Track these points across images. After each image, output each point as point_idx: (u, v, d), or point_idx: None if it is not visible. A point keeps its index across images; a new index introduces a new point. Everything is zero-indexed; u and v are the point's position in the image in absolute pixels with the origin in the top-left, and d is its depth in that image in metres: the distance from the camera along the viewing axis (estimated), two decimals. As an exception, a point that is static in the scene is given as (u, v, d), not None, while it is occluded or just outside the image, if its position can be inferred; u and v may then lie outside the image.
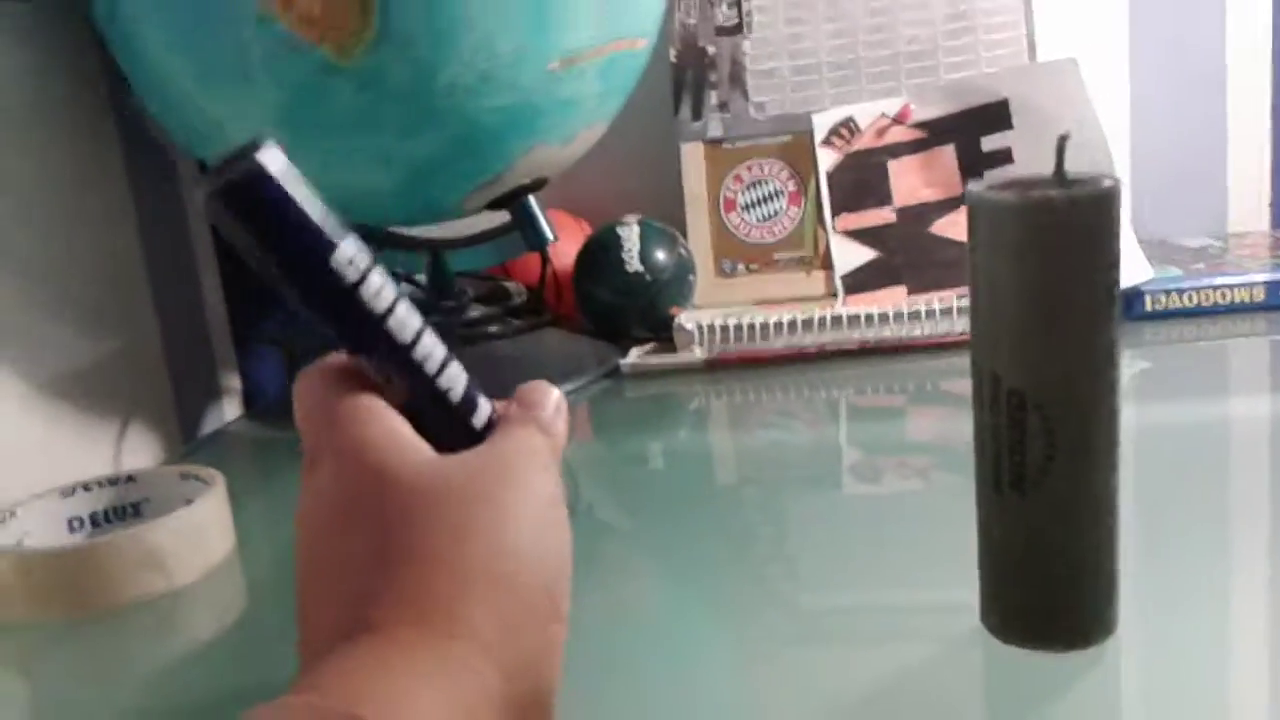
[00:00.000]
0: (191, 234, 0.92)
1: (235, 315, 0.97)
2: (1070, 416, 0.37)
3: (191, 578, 0.56)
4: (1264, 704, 0.37)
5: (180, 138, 0.76)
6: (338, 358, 0.34)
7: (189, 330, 0.90)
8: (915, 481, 0.59)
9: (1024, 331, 0.36)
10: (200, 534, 0.56)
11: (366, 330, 0.31)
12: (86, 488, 0.61)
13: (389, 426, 0.33)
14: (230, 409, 0.95)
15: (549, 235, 0.83)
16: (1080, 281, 0.35)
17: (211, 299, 0.94)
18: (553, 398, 0.36)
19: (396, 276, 0.95)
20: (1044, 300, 0.36)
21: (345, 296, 0.31)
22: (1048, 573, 0.38)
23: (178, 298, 0.89)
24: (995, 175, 0.82)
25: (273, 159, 0.29)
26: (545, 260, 0.92)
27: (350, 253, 0.30)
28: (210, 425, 0.91)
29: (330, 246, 0.30)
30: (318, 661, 0.29)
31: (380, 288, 0.31)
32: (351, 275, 0.30)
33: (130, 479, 0.62)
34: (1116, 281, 0.36)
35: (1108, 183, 0.35)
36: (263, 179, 0.29)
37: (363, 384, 0.33)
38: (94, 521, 0.61)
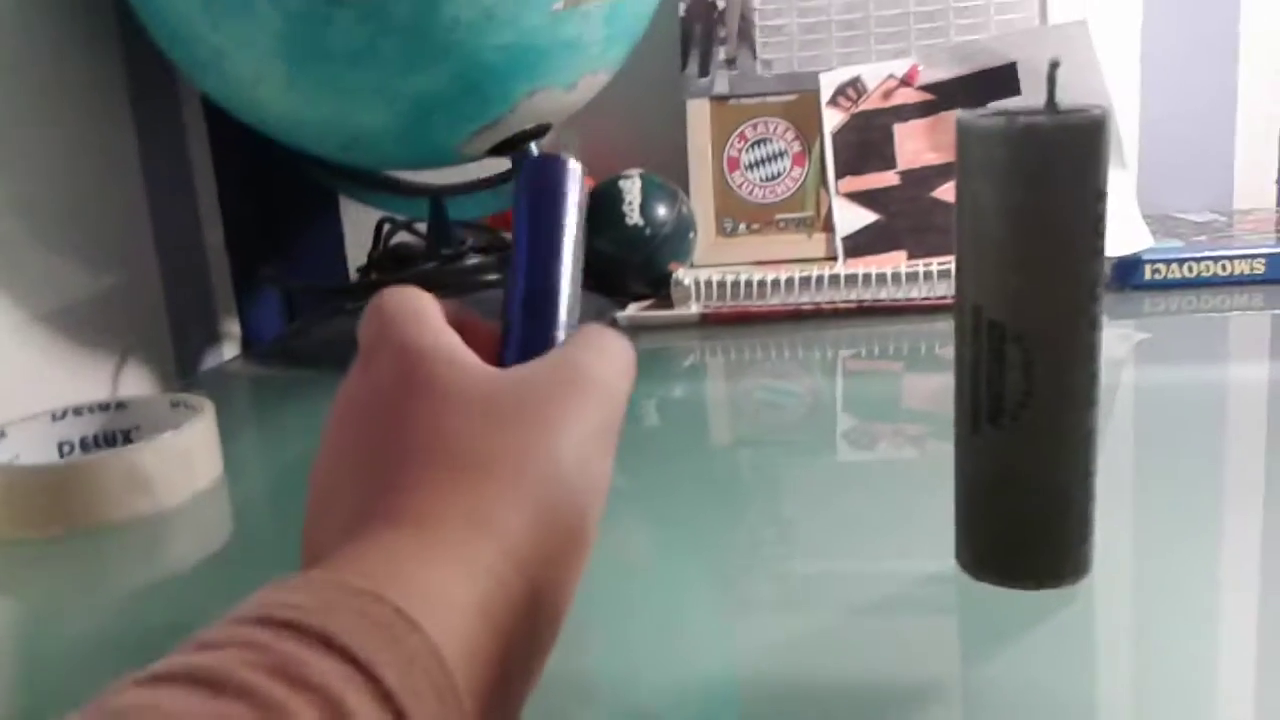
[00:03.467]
0: (195, 175, 0.92)
1: (236, 258, 0.97)
2: (1050, 350, 0.36)
3: (178, 500, 0.56)
4: (1235, 652, 0.37)
5: (184, 67, 0.75)
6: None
7: (189, 269, 0.91)
8: (908, 448, 0.59)
9: (1007, 261, 0.36)
10: (187, 458, 0.56)
11: (541, 333, 0.36)
12: (77, 412, 0.61)
13: (445, 335, 0.33)
14: (229, 350, 0.95)
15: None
16: (1065, 211, 0.35)
17: (212, 240, 0.94)
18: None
19: (395, 224, 0.95)
20: (1028, 229, 0.36)
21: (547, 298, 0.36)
22: (1022, 508, 0.38)
23: (179, 236, 0.89)
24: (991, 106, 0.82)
25: (575, 171, 0.37)
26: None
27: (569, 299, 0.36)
28: (207, 365, 0.92)
29: (557, 261, 0.36)
30: (341, 544, 0.28)
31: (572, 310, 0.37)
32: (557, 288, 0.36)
33: (121, 405, 0.62)
34: (1102, 215, 0.36)
35: (1096, 111, 0.35)
36: (561, 170, 0.37)
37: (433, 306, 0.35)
38: (84, 445, 0.61)
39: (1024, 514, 0.39)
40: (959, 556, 0.41)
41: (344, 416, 0.33)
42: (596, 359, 0.33)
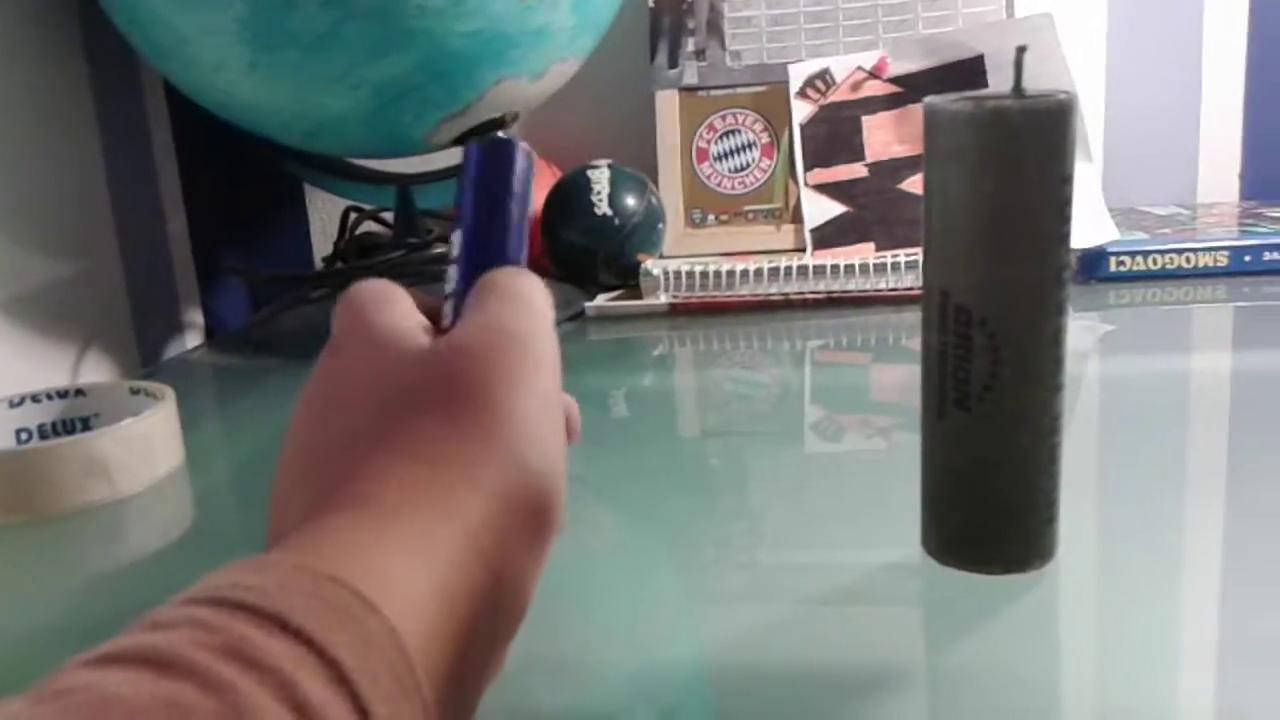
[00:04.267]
0: (157, 162, 0.91)
1: (199, 247, 0.96)
2: (1016, 333, 0.36)
3: (137, 488, 0.55)
4: (1197, 634, 0.37)
5: (145, 52, 0.74)
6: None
7: (151, 257, 0.89)
8: (876, 438, 0.59)
9: (974, 245, 0.36)
10: (147, 445, 0.56)
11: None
12: (35, 399, 0.60)
13: (409, 321, 0.33)
14: (192, 339, 0.94)
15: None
16: (1032, 195, 0.35)
17: (175, 229, 0.93)
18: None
19: (361, 213, 0.95)
20: (995, 212, 0.36)
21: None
22: (987, 493, 0.39)
23: (140, 225, 0.88)
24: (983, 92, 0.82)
25: (524, 152, 0.37)
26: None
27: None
28: (170, 354, 0.90)
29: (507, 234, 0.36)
30: (302, 528, 0.28)
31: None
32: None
33: (80, 392, 0.61)
34: (1068, 200, 0.36)
35: (1063, 96, 0.35)
36: (511, 150, 0.37)
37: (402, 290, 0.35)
38: (42, 434, 0.60)
39: (990, 498, 0.39)
40: (925, 542, 0.41)
41: (312, 400, 0.33)
42: (515, 315, 0.33)
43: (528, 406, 0.31)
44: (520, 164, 0.37)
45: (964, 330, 0.37)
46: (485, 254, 0.36)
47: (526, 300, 0.33)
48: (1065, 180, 0.36)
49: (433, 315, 0.35)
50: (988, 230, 0.36)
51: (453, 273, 0.36)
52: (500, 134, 0.37)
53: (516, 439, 0.30)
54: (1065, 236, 0.36)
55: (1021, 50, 0.35)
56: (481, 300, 0.34)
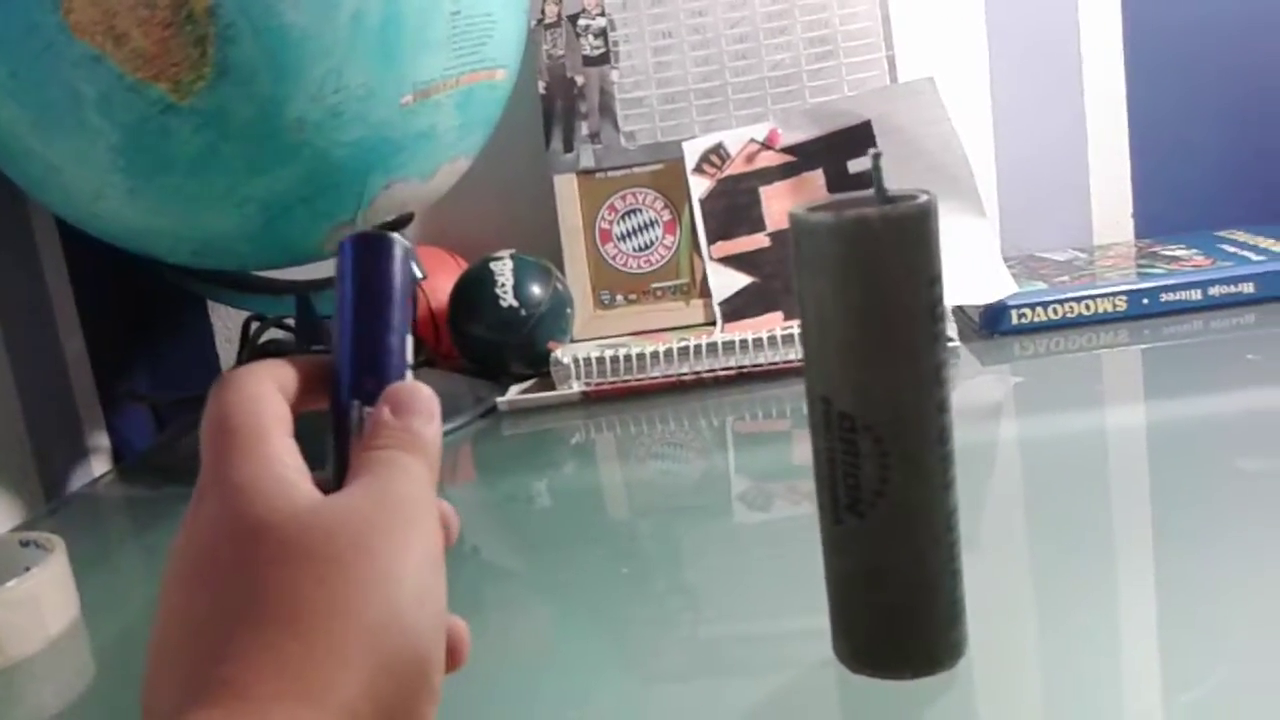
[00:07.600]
0: (49, 283, 0.88)
1: (100, 367, 0.93)
2: (901, 438, 0.36)
3: (30, 650, 0.53)
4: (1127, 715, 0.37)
5: (21, 184, 0.73)
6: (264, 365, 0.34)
7: (48, 386, 0.87)
8: (804, 504, 0.59)
9: (849, 353, 0.36)
10: (36, 605, 0.53)
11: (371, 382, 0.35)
12: (-80, 561, 0.58)
13: (278, 467, 0.31)
14: (99, 464, 0.91)
15: (418, 273, 0.81)
16: (900, 299, 0.35)
17: (73, 354, 0.90)
18: (423, 398, 0.34)
19: (264, 321, 0.93)
20: (866, 320, 0.35)
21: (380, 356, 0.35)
22: (889, 597, 0.38)
23: (37, 350, 0.85)
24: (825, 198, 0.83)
25: (401, 246, 0.36)
26: (417, 298, 0.90)
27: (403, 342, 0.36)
28: (78, 482, 0.87)
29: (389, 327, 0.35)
30: None
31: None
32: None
33: (-33, 548, 0.59)
34: (939, 298, 0.36)
35: (923, 198, 0.35)
36: (387, 245, 0.36)
37: (276, 400, 0.33)
38: (-71, 595, 0.58)
39: (891, 603, 0.38)
40: (836, 651, 0.40)
41: (176, 569, 0.31)
42: (406, 480, 0.32)
43: (413, 566, 0.30)
44: (398, 259, 0.36)
45: (849, 437, 0.37)
46: (366, 354, 0.35)
47: (405, 467, 0.32)
48: (933, 281, 0.36)
49: (320, 377, 0.35)
50: (860, 338, 0.36)
51: (339, 368, 0.35)
52: (374, 228, 0.35)
53: (400, 597, 0.29)
54: (939, 335, 0.36)
55: (877, 156, 0.35)
56: (367, 464, 0.32)
